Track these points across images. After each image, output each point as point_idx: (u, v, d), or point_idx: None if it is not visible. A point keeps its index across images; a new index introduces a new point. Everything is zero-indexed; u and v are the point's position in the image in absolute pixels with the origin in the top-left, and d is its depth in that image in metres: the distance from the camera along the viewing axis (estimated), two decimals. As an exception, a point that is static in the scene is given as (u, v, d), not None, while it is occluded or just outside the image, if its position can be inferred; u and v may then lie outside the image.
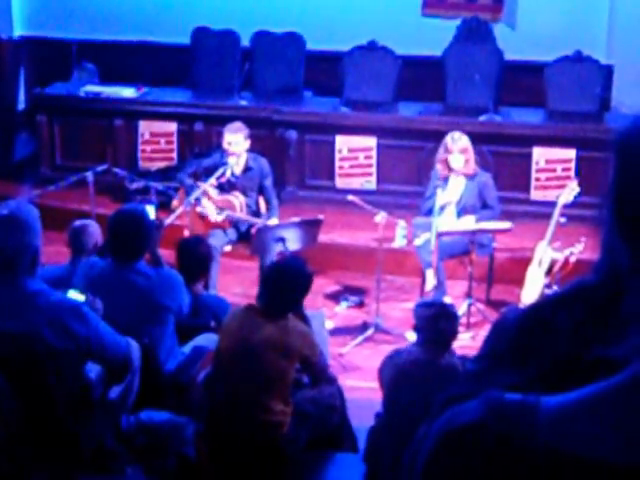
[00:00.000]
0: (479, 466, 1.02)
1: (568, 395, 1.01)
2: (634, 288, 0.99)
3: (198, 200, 7.73)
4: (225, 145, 7.81)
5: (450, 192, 7.64)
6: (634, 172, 0.97)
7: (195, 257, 6.20)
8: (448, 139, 7.59)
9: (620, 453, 0.96)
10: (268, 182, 8.03)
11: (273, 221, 7.80)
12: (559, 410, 1.01)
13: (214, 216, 7.77)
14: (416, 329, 5.02)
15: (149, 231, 5.32)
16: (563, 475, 0.99)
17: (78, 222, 6.36)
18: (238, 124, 7.90)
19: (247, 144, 7.86)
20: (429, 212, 7.54)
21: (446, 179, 7.63)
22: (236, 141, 7.78)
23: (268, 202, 8.04)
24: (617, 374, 0.99)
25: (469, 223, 7.52)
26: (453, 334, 4.97)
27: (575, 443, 0.98)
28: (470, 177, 7.65)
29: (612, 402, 0.98)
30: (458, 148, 7.52)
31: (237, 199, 7.87)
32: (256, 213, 7.99)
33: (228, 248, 7.87)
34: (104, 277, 5.18)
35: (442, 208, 7.55)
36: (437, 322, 4.88)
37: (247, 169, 7.93)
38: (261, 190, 8.03)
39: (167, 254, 7.65)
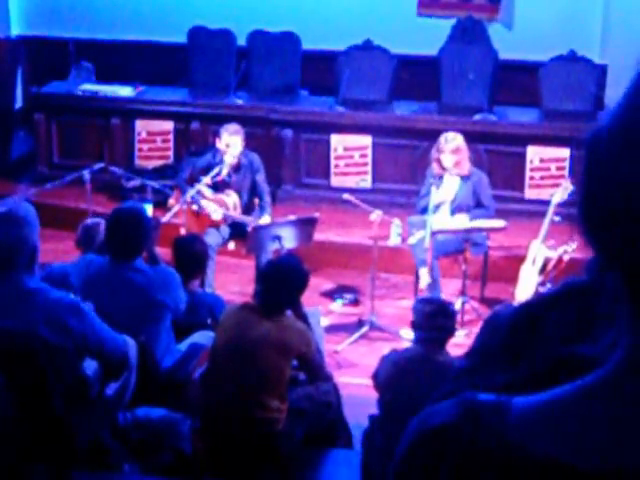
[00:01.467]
0: (451, 468, 1.01)
1: (540, 395, 1.01)
2: (605, 289, 0.98)
3: (194, 198, 7.76)
4: (222, 146, 7.83)
5: (445, 191, 7.66)
6: (595, 173, 0.96)
7: (191, 255, 6.22)
8: (442, 139, 7.61)
9: (588, 456, 0.95)
10: (260, 177, 8.04)
11: (265, 219, 7.84)
12: (528, 411, 0.99)
13: (216, 214, 7.79)
14: (414, 325, 5.05)
15: (147, 229, 5.34)
16: (532, 478, 0.97)
17: (89, 220, 6.41)
18: (236, 126, 7.92)
19: (243, 146, 7.90)
20: (424, 210, 7.57)
21: (441, 178, 7.66)
22: (234, 143, 7.81)
23: (260, 198, 8.04)
24: (587, 374, 0.98)
25: (462, 221, 7.56)
26: (451, 331, 4.99)
27: (544, 445, 0.97)
28: (465, 177, 7.68)
29: (579, 404, 0.97)
30: (450, 148, 7.55)
31: (230, 198, 7.90)
32: (250, 211, 8.02)
33: (232, 246, 7.93)
34: (102, 274, 5.19)
35: (437, 207, 7.58)
36: (436, 319, 4.90)
37: (239, 167, 7.97)
38: (254, 186, 8.06)
39: (164, 252, 7.70)
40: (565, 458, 0.95)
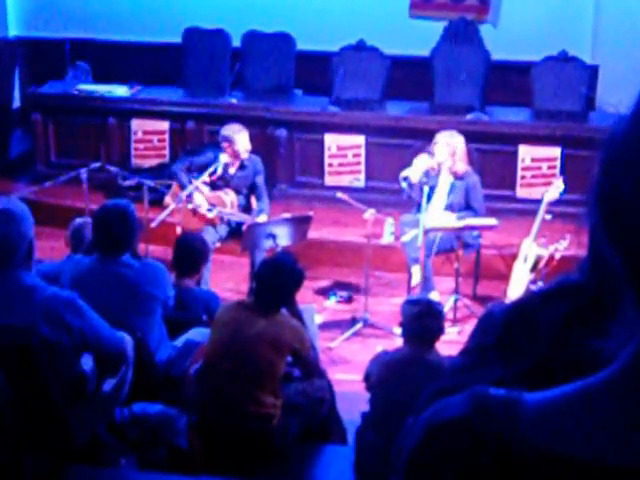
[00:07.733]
0: (463, 462, 1.01)
1: (552, 391, 1.00)
2: (627, 297, 0.96)
3: (190, 196, 7.83)
4: (241, 148, 7.88)
5: (439, 189, 7.71)
6: (609, 175, 0.95)
7: (191, 253, 6.27)
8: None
9: (602, 452, 0.95)
10: (260, 180, 8.11)
11: (262, 218, 7.88)
12: (542, 406, 0.99)
13: (204, 209, 7.86)
14: (402, 326, 5.09)
15: (133, 224, 5.36)
16: (545, 473, 0.97)
17: (78, 220, 6.44)
18: (238, 125, 8.02)
19: None
20: (417, 208, 7.67)
21: (437, 175, 7.71)
22: (246, 139, 7.93)
23: (258, 199, 8.11)
24: (601, 371, 0.98)
25: (451, 220, 7.60)
26: (438, 331, 5.01)
27: (557, 440, 0.97)
28: (458, 177, 7.72)
29: (596, 398, 0.97)
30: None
31: (228, 196, 7.96)
32: (247, 210, 8.09)
33: (218, 244, 7.98)
34: (91, 272, 5.21)
35: (428, 203, 7.64)
36: (422, 319, 4.94)
37: (241, 167, 8.04)
38: (253, 188, 8.14)
39: (159, 250, 7.77)
40: (578, 454, 0.95)
